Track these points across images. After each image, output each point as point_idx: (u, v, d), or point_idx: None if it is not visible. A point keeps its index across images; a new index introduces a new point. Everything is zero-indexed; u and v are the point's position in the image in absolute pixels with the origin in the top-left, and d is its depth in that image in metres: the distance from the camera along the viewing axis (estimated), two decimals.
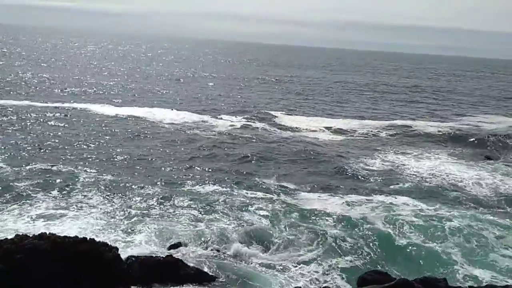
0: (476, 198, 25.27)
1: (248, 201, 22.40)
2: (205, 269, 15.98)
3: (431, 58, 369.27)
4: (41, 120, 38.92)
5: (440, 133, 43.34)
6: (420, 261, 17.59)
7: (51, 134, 34.42)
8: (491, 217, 22.06)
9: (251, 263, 16.66)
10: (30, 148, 30.16)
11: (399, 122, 48.88)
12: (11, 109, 41.74)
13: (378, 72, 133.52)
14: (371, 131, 42.95)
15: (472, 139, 40.86)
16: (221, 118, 45.13)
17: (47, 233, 15.71)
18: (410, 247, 18.55)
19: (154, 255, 16.56)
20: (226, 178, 26.15)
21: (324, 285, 14.37)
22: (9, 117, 38.65)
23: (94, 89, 60.73)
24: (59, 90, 56.59)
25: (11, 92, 51.98)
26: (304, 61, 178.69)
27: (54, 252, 14.53)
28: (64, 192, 22.70)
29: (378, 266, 16.70)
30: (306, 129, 42.92)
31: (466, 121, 53.05)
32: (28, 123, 37.37)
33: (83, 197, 22.22)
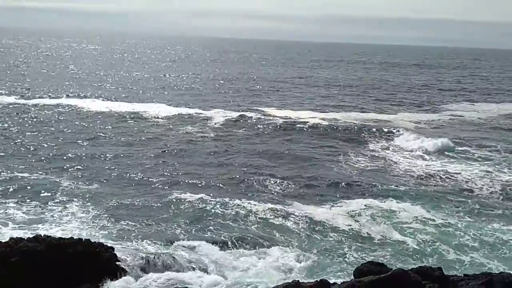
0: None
1: (241, 206, 21.86)
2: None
3: (418, 49, 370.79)
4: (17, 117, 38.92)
5: (423, 125, 44.03)
6: (416, 254, 17.82)
7: (28, 133, 34.13)
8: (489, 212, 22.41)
9: (247, 261, 16.63)
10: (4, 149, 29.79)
11: (384, 116, 48.86)
12: None
13: (365, 66, 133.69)
14: (358, 124, 42.90)
15: (451, 129, 41.94)
16: (211, 116, 44.83)
17: (42, 235, 15.65)
18: (405, 241, 18.77)
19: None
20: (216, 181, 25.59)
21: (321, 278, 14.43)
22: None
23: (84, 85, 60.56)
24: (41, 86, 56.25)
25: None
26: (293, 56, 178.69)
27: (50, 254, 14.47)
28: (43, 197, 21.65)
29: (375, 258, 16.87)
30: (295, 122, 43.08)
31: (448, 111, 53.53)
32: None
33: (64, 203, 21.18)
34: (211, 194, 23.13)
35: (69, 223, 19.26)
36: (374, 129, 40.90)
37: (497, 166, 30.30)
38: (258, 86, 70.81)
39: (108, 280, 14.40)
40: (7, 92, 52.34)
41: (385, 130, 40.72)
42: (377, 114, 49.83)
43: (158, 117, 42.33)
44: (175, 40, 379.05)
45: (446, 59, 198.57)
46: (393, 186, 25.66)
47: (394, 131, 40.27)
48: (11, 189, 22.61)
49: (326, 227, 19.70)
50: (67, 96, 51.60)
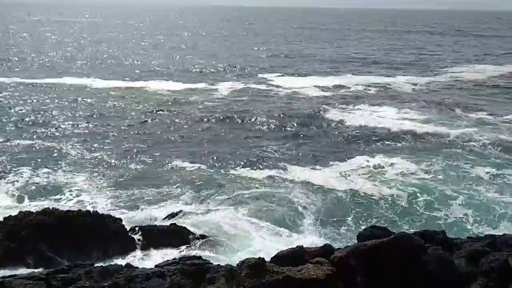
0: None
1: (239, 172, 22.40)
2: (206, 234, 16.19)
3: (426, 13, 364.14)
4: (27, 96, 38.71)
5: (420, 87, 44.87)
6: (421, 218, 18.05)
7: (37, 109, 34.09)
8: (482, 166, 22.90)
9: (251, 228, 16.83)
10: (14, 124, 29.97)
11: (382, 79, 49.28)
12: None
13: (367, 32, 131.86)
14: (356, 89, 43.82)
15: (447, 91, 43.13)
16: (217, 88, 44.52)
17: (50, 207, 15.92)
18: (405, 204, 18.99)
19: (158, 224, 16.81)
20: (220, 151, 25.85)
21: (325, 242, 14.64)
22: None
23: (86, 63, 60.20)
24: (46, 66, 56.07)
25: None
26: (297, 25, 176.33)
27: (59, 226, 14.74)
28: (50, 168, 22.08)
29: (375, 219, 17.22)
30: (297, 88, 43.84)
31: (447, 74, 53.60)
32: (14, 100, 37.11)
33: (70, 172, 21.60)
34: (210, 163, 23.61)
35: (77, 193, 19.60)
36: (370, 92, 41.92)
37: (488, 125, 30.68)
38: (261, 57, 70.30)
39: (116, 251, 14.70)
40: (13, 72, 52.08)
41: (380, 93, 41.68)
42: (376, 77, 50.38)
43: (162, 92, 42.09)
44: (173, 10, 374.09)
45: (440, 23, 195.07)
46: (385, 144, 26.74)
47: (389, 94, 41.19)
48: (19, 160, 23.05)
49: (323, 191, 20.03)
50: (67, 75, 51.07)
